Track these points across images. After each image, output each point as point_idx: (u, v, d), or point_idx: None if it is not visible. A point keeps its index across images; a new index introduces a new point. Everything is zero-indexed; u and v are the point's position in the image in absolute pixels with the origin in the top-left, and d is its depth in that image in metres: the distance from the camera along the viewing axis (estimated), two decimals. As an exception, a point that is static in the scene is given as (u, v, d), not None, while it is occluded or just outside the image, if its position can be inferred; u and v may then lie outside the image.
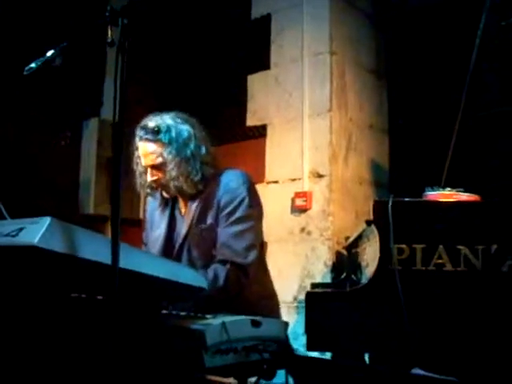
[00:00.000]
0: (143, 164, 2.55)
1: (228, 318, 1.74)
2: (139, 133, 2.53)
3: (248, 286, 2.48)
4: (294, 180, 4.16)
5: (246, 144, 4.46)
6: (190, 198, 2.59)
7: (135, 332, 1.69)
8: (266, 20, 4.48)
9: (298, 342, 3.06)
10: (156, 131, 2.50)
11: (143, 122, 2.56)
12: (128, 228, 3.68)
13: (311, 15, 4.25)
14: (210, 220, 2.53)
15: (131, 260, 1.58)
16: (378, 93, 4.56)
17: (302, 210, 4.06)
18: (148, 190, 2.63)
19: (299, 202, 4.07)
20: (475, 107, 2.78)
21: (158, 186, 2.59)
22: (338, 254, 3.87)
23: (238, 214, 2.49)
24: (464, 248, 1.97)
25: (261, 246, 2.63)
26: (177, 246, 2.59)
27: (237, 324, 1.75)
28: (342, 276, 3.00)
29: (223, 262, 2.44)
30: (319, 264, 3.94)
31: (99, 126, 4.82)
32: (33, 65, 1.86)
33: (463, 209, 2.09)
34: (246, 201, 2.51)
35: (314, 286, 3.22)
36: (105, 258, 1.48)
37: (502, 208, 2.05)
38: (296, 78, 4.26)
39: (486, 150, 2.65)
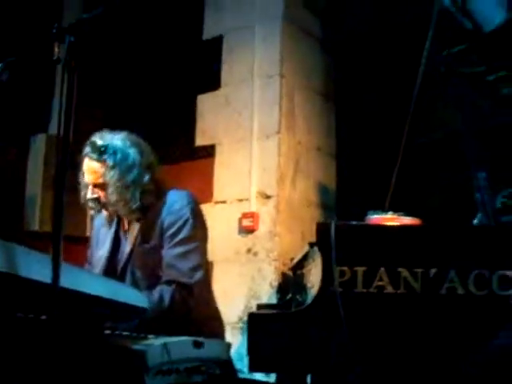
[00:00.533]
0: (85, 180, 2.53)
1: (170, 339, 1.74)
2: (86, 148, 2.51)
3: (195, 307, 2.48)
4: (241, 200, 4.15)
5: (195, 163, 4.44)
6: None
7: (76, 352, 1.67)
8: (218, 41, 4.49)
9: (243, 363, 3.05)
10: (102, 151, 2.48)
11: (92, 138, 2.53)
12: (72, 246, 3.62)
13: (263, 37, 4.28)
14: (154, 241, 2.51)
15: (72, 279, 1.57)
16: (327, 116, 4.59)
17: (249, 231, 4.06)
18: (91, 205, 2.59)
19: (246, 222, 4.06)
20: (419, 133, 2.85)
21: (98, 203, 2.56)
22: (284, 275, 3.88)
23: (182, 235, 2.48)
24: (404, 271, 2.00)
25: (206, 267, 2.63)
26: (120, 265, 2.57)
27: (178, 345, 1.75)
28: (288, 297, 3.01)
29: (169, 283, 2.43)
30: (265, 285, 3.94)
31: (47, 142, 4.74)
32: (-22, 79, 1.84)
33: (404, 232, 2.12)
34: (190, 222, 2.50)
35: (259, 306, 3.22)
36: (45, 276, 1.46)
37: (442, 233, 2.09)
38: (246, 98, 4.26)
39: (427, 175, 2.71)
